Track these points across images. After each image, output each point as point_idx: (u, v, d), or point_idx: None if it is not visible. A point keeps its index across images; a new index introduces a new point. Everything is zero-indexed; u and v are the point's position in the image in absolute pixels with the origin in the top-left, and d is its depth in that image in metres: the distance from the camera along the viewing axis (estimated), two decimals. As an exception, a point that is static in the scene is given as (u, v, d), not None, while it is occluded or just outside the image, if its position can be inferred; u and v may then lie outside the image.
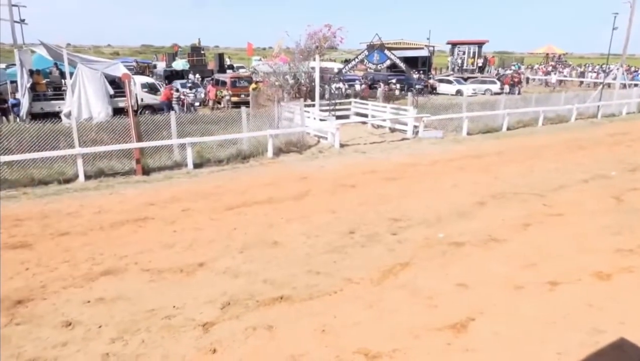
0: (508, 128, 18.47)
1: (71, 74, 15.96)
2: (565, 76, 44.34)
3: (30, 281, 6.01)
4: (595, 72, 45.39)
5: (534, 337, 4.95)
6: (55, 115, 15.92)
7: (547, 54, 55.36)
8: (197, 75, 29.57)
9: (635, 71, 44.94)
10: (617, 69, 28.68)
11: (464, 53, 42.57)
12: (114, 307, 5.43)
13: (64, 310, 5.37)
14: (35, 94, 17.13)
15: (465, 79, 36.61)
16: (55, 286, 5.90)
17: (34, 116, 16.18)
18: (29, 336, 4.86)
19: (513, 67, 48.23)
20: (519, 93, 31.63)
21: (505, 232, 7.91)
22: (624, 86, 27.84)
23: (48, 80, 18.71)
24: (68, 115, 15.40)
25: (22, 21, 26.34)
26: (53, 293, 5.73)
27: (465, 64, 41.81)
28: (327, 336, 4.93)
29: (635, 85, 29.18)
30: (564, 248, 7.29)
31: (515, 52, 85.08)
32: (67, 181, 10.52)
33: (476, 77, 37.66)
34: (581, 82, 42.33)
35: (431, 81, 35.11)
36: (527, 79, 43.64)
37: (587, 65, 53.96)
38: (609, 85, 24.32)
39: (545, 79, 43.52)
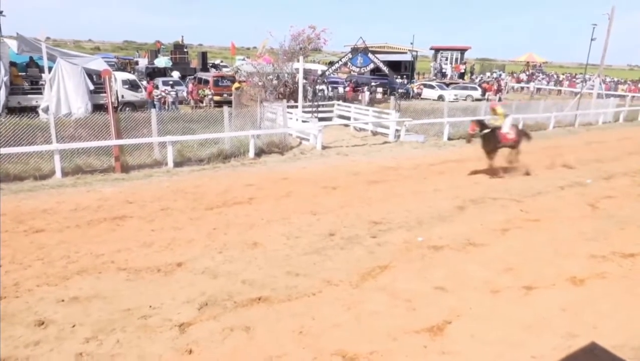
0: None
1: (50, 68, 15.66)
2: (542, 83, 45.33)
3: (2, 278, 5.86)
4: (572, 80, 46.45)
5: (510, 340, 5.02)
6: (33, 110, 15.60)
7: (528, 62, 56.31)
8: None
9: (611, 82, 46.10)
10: (594, 79, 29.36)
11: (446, 59, 43.12)
12: (89, 306, 5.34)
13: (37, 308, 5.25)
14: (13, 87, 16.74)
15: (447, 85, 37.09)
16: (29, 284, 5.77)
17: (10, 110, 15.81)
18: (0, 335, 4.74)
19: (494, 74, 48.96)
20: (499, 100, 32.14)
21: (484, 237, 8.02)
22: (600, 96, 28.49)
23: (26, 73, 18.32)
24: (46, 110, 15.12)
25: (-1, 13, 25.74)
26: (26, 291, 5.60)
27: (445, 70, 42.34)
28: (306, 337, 4.93)
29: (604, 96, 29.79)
30: (540, 253, 7.42)
31: (497, 59, 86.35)
32: (44, 177, 10.29)
33: (458, 83, 38.18)
34: (559, 91, 43.27)
35: (415, 85, 35.48)
36: (514, 87, 44.46)
37: (566, 74, 55.10)
38: (579, 95, 24.83)
39: (522, 86, 44.45)
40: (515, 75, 51.37)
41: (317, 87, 22.29)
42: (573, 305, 5.82)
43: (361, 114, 19.02)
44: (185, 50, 36.38)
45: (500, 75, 48.44)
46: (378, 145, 16.05)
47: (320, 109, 18.76)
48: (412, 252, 7.26)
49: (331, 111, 20.28)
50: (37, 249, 6.74)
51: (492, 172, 12.19)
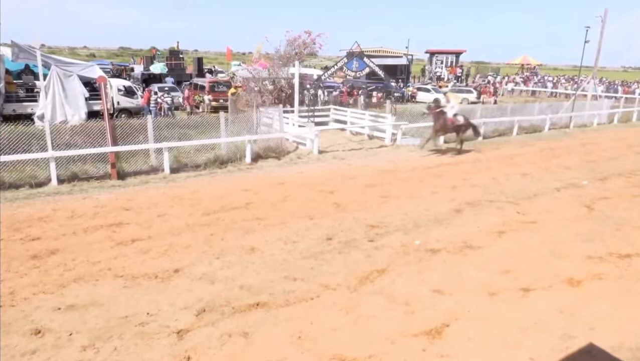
0: (484, 137, 18.78)
1: (45, 75, 15.65)
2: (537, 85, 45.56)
3: (-2, 287, 5.84)
4: (566, 80, 46.72)
5: (507, 342, 5.03)
6: (28, 118, 15.56)
7: (523, 65, 56.64)
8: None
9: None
10: (588, 81, 29.50)
11: (442, 62, 43.36)
12: (85, 314, 5.31)
13: (34, 317, 5.23)
14: (7, 95, 16.71)
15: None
16: (25, 292, 5.74)
17: (5, 118, 15.77)
18: (-4, 344, 4.71)
19: (490, 77, 49.18)
20: (494, 102, 32.30)
21: (481, 239, 8.03)
22: (595, 98, 28.63)
23: (20, 81, 18.29)
24: (41, 118, 15.09)
25: (-6, 21, 25.69)
26: (22, 300, 5.57)
27: (440, 73, 42.57)
28: (304, 342, 4.92)
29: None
30: (536, 255, 7.43)
31: (491, 62, 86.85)
32: (39, 185, 10.27)
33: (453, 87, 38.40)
34: (552, 93, 43.54)
35: (410, 88, 35.62)
36: (512, 90, 44.61)
37: (560, 77, 55.44)
38: (574, 97, 24.92)
39: (519, 89, 44.67)
40: (509, 77, 51.61)
41: (312, 91, 22.33)
42: (570, 306, 5.83)
43: (357, 118, 19.07)
44: (180, 56, 36.46)
45: (495, 77, 48.66)
46: (374, 149, 16.08)
47: (316, 114, 18.79)
48: (409, 255, 7.26)
49: (327, 115, 20.33)
50: (33, 257, 6.71)
51: None
